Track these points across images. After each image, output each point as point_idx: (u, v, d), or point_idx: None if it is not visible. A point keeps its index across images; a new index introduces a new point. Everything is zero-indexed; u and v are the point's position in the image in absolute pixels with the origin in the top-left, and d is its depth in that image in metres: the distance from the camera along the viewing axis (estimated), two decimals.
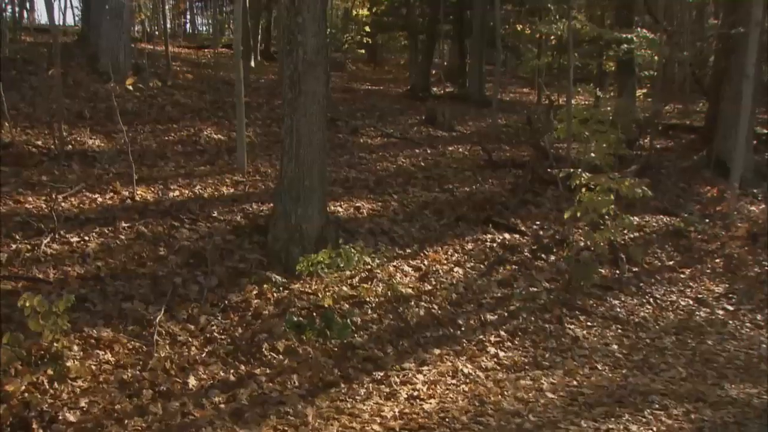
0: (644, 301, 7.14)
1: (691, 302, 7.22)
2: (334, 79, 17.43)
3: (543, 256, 7.77)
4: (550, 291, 6.97)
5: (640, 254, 8.10)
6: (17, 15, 17.83)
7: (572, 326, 6.32)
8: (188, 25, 32.69)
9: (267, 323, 5.49)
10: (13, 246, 5.91)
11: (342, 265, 5.83)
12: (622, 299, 7.08)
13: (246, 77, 12.69)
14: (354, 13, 25.59)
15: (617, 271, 7.66)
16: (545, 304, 6.65)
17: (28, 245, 5.95)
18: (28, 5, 20.70)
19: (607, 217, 7.37)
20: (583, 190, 7.13)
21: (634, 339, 6.23)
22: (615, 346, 6.02)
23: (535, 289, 6.96)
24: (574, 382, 5.21)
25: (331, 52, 18.70)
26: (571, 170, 7.34)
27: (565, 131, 8.43)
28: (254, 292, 5.92)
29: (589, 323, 6.44)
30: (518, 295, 6.71)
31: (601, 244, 7.41)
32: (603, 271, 7.61)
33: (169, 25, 23.34)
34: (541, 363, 5.56)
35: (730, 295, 7.45)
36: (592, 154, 8.17)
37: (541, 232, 8.39)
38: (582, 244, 7.74)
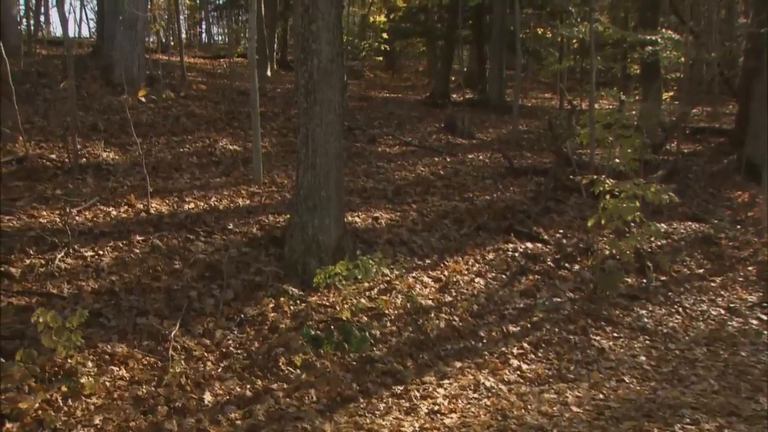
0: (673, 310, 7.05)
1: (722, 312, 7.11)
2: (351, 87, 17.51)
3: (566, 265, 7.71)
4: (574, 301, 6.91)
5: (667, 262, 8.01)
6: (32, 28, 18.14)
7: (598, 337, 6.25)
8: (204, 35, 33.07)
9: (284, 337, 5.49)
10: (27, 261, 5.98)
11: (360, 277, 5.83)
12: (650, 309, 6.99)
13: (262, 87, 12.78)
14: (371, 19, 25.71)
15: (644, 280, 7.57)
16: (569, 314, 6.59)
17: (42, 260, 6.02)
18: (43, 18, 21.08)
19: (632, 224, 7.31)
20: (608, 196, 7.08)
21: (663, 350, 6.15)
22: (643, 358, 5.94)
23: (559, 300, 6.90)
24: (601, 396, 5.15)
25: (347, 60, 18.79)
26: (595, 177, 7.29)
27: (588, 136, 8.38)
28: (271, 305, 5.93)
29: (615, 334, 6.37)
30: (541, 306, 6.66)
31: (627, 252, 7.34)
32: (629, 280, 7.53)
33: (184, 35, 23.59)
34: (566, 376, 5.51)
35: (764, 304, 7.32)
36: (617, 160, 8.12)
37: (564, 241, 8.33)
38: (607, 252, 7.68)
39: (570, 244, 8.25)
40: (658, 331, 6.53)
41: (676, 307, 7.12)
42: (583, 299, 6.97)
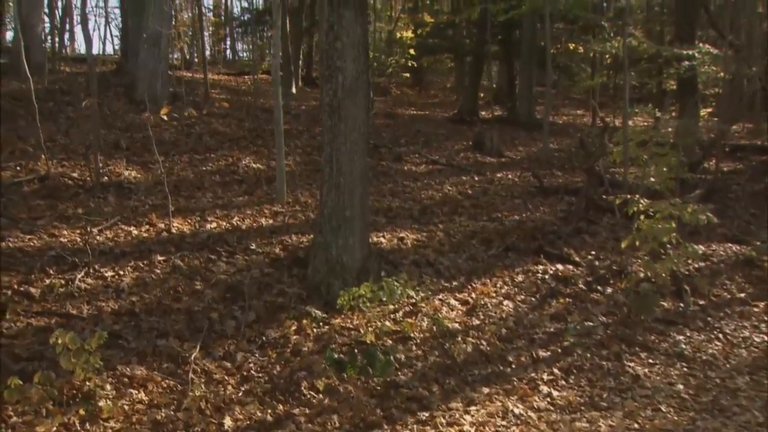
0: (712, 336, 6.92)
1: (766, 338, 6.96)
2: (377, 104, 17.61)
3: (599, 288, 7.63)
4: (607, 325, 6.81)
5: (706, 286, 7.88)
6: (57, 45, 18.54)
7: (632, 364, 6.15)
8: (228, 52, 33.51)
9: (306, 360, 5.49)
10: (47, 281, 6.08)
11: (385, 299, 5.82)
12: (688, 335, 6.87)
13: (286, 104, 12.94)
14: (398, 35, 25.90)
15: (681, 304, 7.46)
16: (602, 339, 6.51)
17: (62, 280, 6.11)
18: (67, 35, 21.54)
19: (668, 245, 7.20)
20: (642, 217, 7.01)
21: (702, 378, 6.03)
22: (680, 386, 5.83)
23: (591, 324, 6.82)
24: (636, 425, 5.06)
25: (374, 77, 18.95)
26: (629, 196, 7.23)
27: (622, 155, 8.34)
28: (293, 327, 5.94)
29: (650, 360, 6.26)
30: (573, 330, 6.58)
31: (663, 274, 7.25)
32: (665, 304, 7.41)
33: (208, 52, 23.97)
34: (599, 403, 5.42)
35: None
36: (651, 179, 8.06)
37: (596, 263, 8.25)
38: (641, 275, 7.57)
39: (603, 266, 8.17)
40: (697, 357, 6.41)
41: (715, 332, 6.99)
42: (616, 324, 6.88)
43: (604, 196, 9.83)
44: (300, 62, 21.67)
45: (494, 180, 11.85)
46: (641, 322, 6.89)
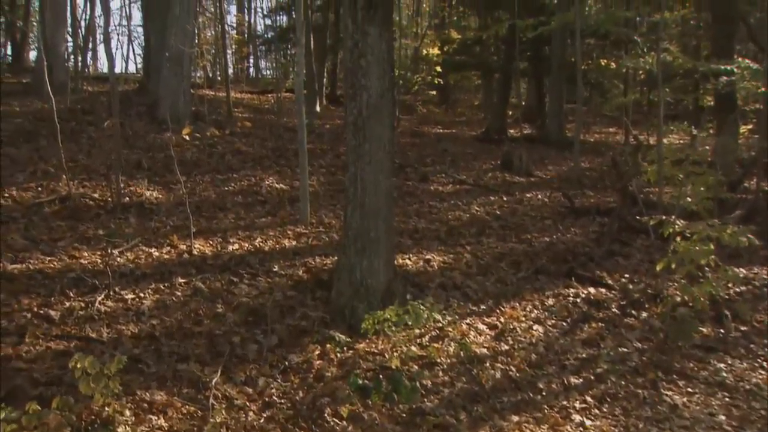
0: (756, 365, 6.78)
1: None
2: (403, 122, 17.69)
3: (633, 312, 7.53)
4: (642, 352, 6.72)
5: (748, 311, 7.74)
6: (80, 65, 18.90)
7: (669, 392, 6.05)
8: (252, 69, 33.93)
9: (330, 386, 5.48)
10: (67, 303, 6.15)
11: (410, 323, 5.79)
12: (729, 362, 6.75)
13: (310, 122, 13.04)
14: (424, 52, 26.02)
15: (721, 330, 7.33)
16: (637, 366, 6.41)
17: (82, 303, 6.18)
18: (90, 54, 21.94)
19: (707, 268, 7.10)
20: (678, 238, 6.92)
21: (746, 409, 5.90)
22: (722, 417, 5.71)
23: (625, 350, 6.73)
24: None
25: (399, 94, 19.04)
26: (664, 217, 7.16)
27: (656, 174, 8.25)
28: (316, 352, 5.94)
29: (689, 389, 6.16)
30: (606, 357, 6.50)
31: (701, 299, 7.13)
32: (704, 329, 7.29)
33: (231, 70, 24.26)
34: None
35: None
36: (688, 199, 7.95)
37: (630, 286, 8.16)
38: (678, 299, 7.47)
39: (637, 289, 8.08)
40: (739, 387, 6.29)
41: (759, 360, 6.85)
42: (652, 350, 6.78)
43: (637, 217, 9.73)
44: (324, 80, 21.86)
45: (523, 200, 11.81)
46: (679, 349, 6.78)
